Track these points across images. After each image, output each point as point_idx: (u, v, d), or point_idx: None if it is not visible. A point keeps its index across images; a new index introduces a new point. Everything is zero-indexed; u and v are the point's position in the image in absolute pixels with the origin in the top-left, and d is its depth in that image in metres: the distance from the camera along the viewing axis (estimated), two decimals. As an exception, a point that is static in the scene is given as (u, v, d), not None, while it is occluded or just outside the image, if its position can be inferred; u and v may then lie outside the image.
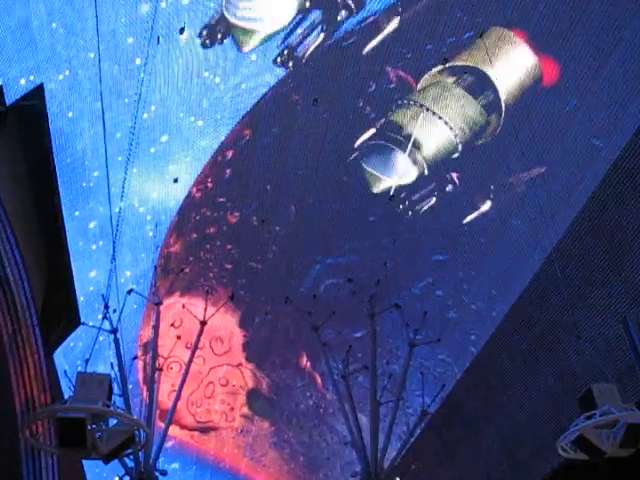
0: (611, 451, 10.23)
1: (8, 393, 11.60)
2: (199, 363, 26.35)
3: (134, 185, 18.80)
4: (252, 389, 28.91)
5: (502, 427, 18.93)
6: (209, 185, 20.61)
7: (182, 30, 15.93)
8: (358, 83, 17.29)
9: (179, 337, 23.05)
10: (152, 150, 18.76)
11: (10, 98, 13.34)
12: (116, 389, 16.07)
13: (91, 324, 18.34)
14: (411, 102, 16.97)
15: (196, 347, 20.47)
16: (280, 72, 17.37)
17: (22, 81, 13.96)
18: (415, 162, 17.96)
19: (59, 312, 16.19)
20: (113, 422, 10.05)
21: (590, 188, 14.02)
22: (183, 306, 23.05)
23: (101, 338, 17.97)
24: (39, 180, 14.09)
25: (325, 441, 28.76)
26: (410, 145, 17.48)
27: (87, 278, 19.69)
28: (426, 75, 16.49)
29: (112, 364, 18.50)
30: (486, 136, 16.63)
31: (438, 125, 16.97)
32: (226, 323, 26.22)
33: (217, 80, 17.49)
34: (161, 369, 19.53)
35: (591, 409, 10.34)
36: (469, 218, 18.17)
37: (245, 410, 29.52)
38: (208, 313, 21.08)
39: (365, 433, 18.90)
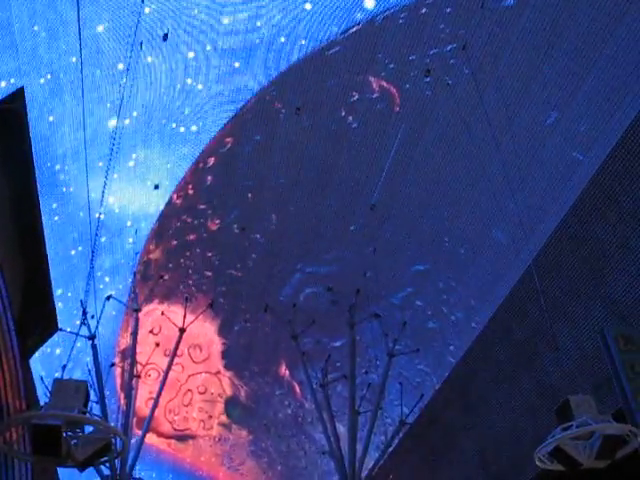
0: (587, 462, 10.25)
1: (-18, 399, 11.45)
2: (177, 370, 26.22)
3: (114, 191, 18.71)
4: (230, 397, 28.78)
5: (480, 437, 18.95)
6: (190, 192, 20.54)
7: (165, 36, 15.88)
8: (341, 92, 17.31)
9: (158, 344, 22.97)
10: (133, 156, 18.68)
11: (-10, 100, 13.25)
12: (93, 396, 15.96)
13: (69, 330, 18.21)
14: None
15: (174, 354, 20.43)
16: (263, 80, 17.36)
17: (2, 84, 13.86)
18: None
19: (36, 317, 16.04)
20: (89, 429, 9.95)
21: (570, 201, 14.10)
22: (162, 313, 22.99)
23: (79, 344, 17.83)
24: (18, 184, 13.97)
25: (303, 450, 28.67)
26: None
27: (65, 283, 19.53)
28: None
29: (89, 370, 18.40)
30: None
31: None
32: (205, 331, 26.11)
33: (199, 87, 17.46)
34: (139, 376, 19.46)
35: (568, 420, 10.35)
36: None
37: (223, 418, 29.37)
38: (187, 320, 21.04)
39: (343, 442, 18.90)
